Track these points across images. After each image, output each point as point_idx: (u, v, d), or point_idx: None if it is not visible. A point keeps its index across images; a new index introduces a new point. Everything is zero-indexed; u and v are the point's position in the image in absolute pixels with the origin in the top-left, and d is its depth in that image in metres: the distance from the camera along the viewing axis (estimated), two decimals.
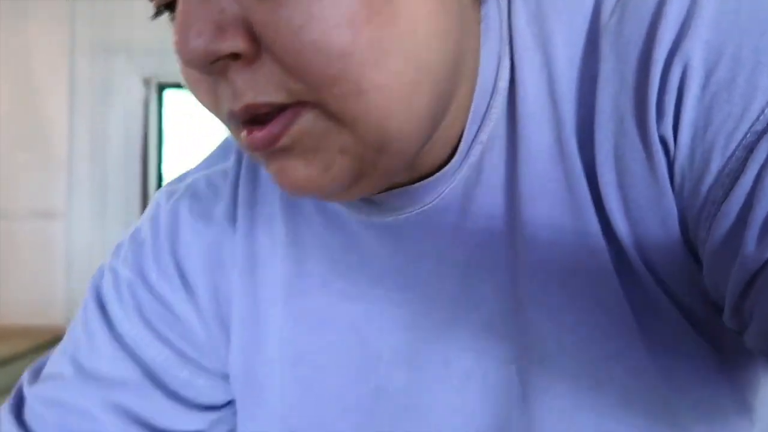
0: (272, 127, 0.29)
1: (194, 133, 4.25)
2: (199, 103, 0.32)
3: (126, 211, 3.82)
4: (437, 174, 0.35)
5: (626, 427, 0.32)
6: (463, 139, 0.35)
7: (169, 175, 3.99)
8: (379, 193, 0.36)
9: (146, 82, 3.82)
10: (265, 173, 0.43)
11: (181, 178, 0.47)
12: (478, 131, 0.35)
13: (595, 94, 0.32)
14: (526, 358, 0.35)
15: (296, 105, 0.29)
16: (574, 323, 0.33)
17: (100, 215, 3.78)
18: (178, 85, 4.00)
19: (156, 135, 3.91)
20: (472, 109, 0.34)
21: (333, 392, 0.39)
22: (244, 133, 0.30)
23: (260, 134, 0.29)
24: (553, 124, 0.33)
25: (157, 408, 0.41)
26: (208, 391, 0.43)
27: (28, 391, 0.42)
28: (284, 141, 0.30)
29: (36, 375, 0.43)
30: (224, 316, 0.42)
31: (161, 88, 3.92)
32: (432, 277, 0.37)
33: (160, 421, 0.41)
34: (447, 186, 0.36)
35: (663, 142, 0.30)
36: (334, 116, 0.29)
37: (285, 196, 0.42)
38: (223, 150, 0.48)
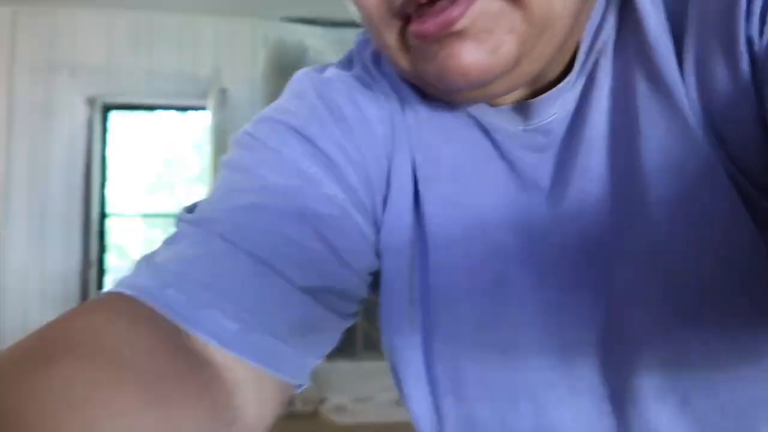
0: (452, 10, 0.31)
1: (140, 156, 4.14)
2: (368, 13, 0.35)
3: (66, 238, 3.66)
4: (560, 84, 0.38)
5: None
6: (581, 49, 0.38)
7: (113, 199, 3.86)
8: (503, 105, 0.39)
9: (90, 102, 3.70)
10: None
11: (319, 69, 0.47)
12: (595, 39, 0.38)
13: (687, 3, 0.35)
14: None
15: None
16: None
17: (38, 240, 3.61)
18: (123, 107, 3.90)
19: (100, 158, 3.78)
20: (591, 16, 0.37)
21: (461, 276, 0.41)
22: (413, 27, 0.33)
23: (440, 17, 0.31)
24: (660, 27, 0.36)
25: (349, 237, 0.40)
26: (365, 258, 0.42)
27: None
28: (463, 22, 0.31)
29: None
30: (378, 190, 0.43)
31: (106, 108, 3.80)
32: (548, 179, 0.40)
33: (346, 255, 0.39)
34: (570, 94, 0.39)
35: (749, 42, 0.32)
36: None
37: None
38: (346, 63, 0.47)
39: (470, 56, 0.32)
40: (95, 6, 3.65)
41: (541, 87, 0.39)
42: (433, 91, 0.39)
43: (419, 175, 0.43)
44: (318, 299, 0.37)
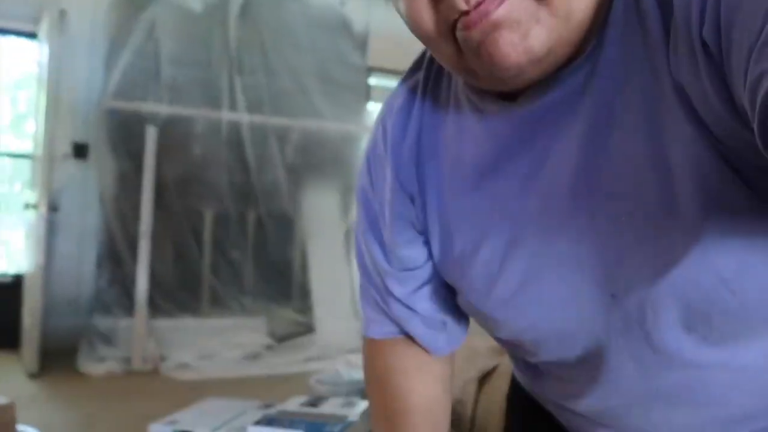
0: (489, 4, 0.41)
1: None
2: (419, 25, 0.45)
3: None
4: (572, 64, 0.46)
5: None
6: (594, 32, 0.45)
7: None
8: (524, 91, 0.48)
9: None
10: (444, 86, 0.58)
11: (394, 91, 0.62)
12: (605, 28, 0.45)
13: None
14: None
15: None
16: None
17: None
18: None
19: None
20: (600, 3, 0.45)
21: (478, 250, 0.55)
22: (461, 23, 0.43)
23: (480, 8, 0.41)
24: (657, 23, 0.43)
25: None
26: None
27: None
28: (498, 13, 0.41)
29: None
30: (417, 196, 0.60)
31: None
32: (557, 154, 0.48)
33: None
34: (581, 70, 0.46)
35: (704, 43, 0.39)
36: None
37: (455, 105, 0.56)
38: (416, 63, 0.61)
39: (506, 42, 0.42)
40: None
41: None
42: (486, 85, 0.49)
43: (445, 172, 0.57)
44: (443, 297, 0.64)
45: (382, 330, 0.65)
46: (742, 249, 0.43)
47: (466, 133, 0.55)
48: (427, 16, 0.45)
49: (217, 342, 3.51)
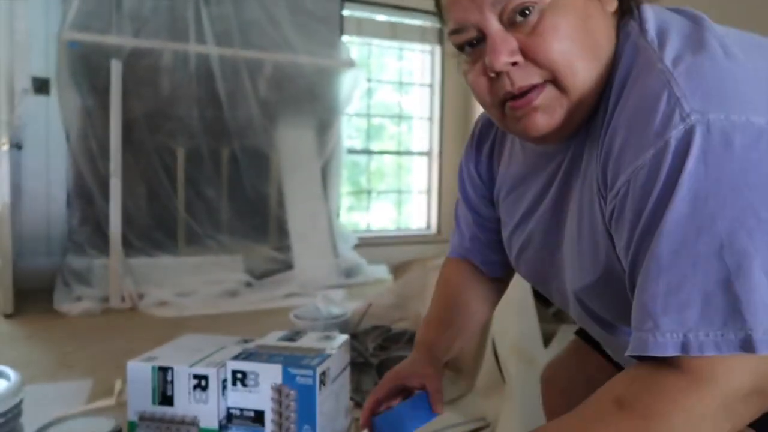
0: (531, 95, 0.63)
1: None
2: (479, 95, 0.67)
3: None
4: (570, 139, 0.70)
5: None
6: (593, 120, 0.66)
7: None
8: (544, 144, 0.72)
9: None
10: (510, 137, 0.86)
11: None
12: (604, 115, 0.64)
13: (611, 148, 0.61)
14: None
15: (543, 84, 0.63)
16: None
17: None
18: None
19: None
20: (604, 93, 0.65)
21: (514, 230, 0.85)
22: (509, 105, 0.65)
23: (523, 100, 0.64)
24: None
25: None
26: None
27: None
28: (537, 101, 0.63)
29: None
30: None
31: None
32: (551, 186, 0.74)
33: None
34: (572, 142, 0.70)
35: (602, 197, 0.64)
36: (560, 87, 0.63)
37: (511, 151, 0.85)
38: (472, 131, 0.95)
39: (540, 120, 0.64)
40: None
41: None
42: (519, 138, 0.76)
43: (498, 180, 0.89)
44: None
45: (458, 252, 0.98)
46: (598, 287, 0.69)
47: (514, 156, 0.84)
48: (485, 91, 0.67)
49: (196, 280, 3.51)
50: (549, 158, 0.74)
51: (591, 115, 0.66)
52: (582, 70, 0.62)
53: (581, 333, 1.01)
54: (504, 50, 0.62)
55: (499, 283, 0.99)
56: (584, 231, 0.67)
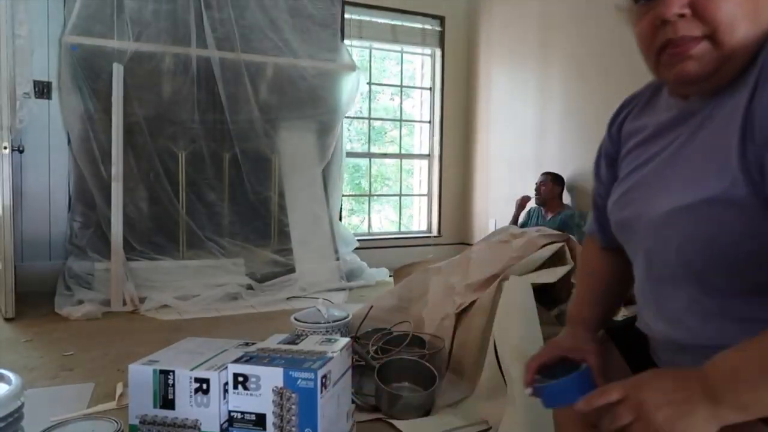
0: (690, 45, 0.73)
1: None
2: (644, 42, 0.78)
3: None
4: (719, 94, 0.76)
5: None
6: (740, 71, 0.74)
7: None
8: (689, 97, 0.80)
9: None
10: (658, 96, 0.90)
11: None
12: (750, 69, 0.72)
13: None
14: None
15: (702, 37, 0.72)
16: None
17: None
18: None
19: None
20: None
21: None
22: (667, 52, 0.75)
23: (681, 48, 0.73)
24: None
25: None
26: None
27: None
28: (692, 51, 0.73)
29: None
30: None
31: None
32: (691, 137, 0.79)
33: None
34: (712, 102, 0.77)
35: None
36: (716, 43, 0.72)
37: (658, 107, 0.89)
38: (646, 87, 0.95)
39: (691, 67, 0.73)
40: None
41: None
42: (671, 87, 0.84)
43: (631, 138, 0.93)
44: None
45: (592, 229, 1.08)
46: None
47: (654, 110, 0.89)
48: (649, 37, 0.76)
49: (197, 283, 3.51)
50: (687, 116, 0.80)
51: (737, 76, 0.73)
52: (741, 32, 0.70)
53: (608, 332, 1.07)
54: (677, 2, 0.72)
55: (623, 253, 1.03)
56: (708, 150, 0.74)
